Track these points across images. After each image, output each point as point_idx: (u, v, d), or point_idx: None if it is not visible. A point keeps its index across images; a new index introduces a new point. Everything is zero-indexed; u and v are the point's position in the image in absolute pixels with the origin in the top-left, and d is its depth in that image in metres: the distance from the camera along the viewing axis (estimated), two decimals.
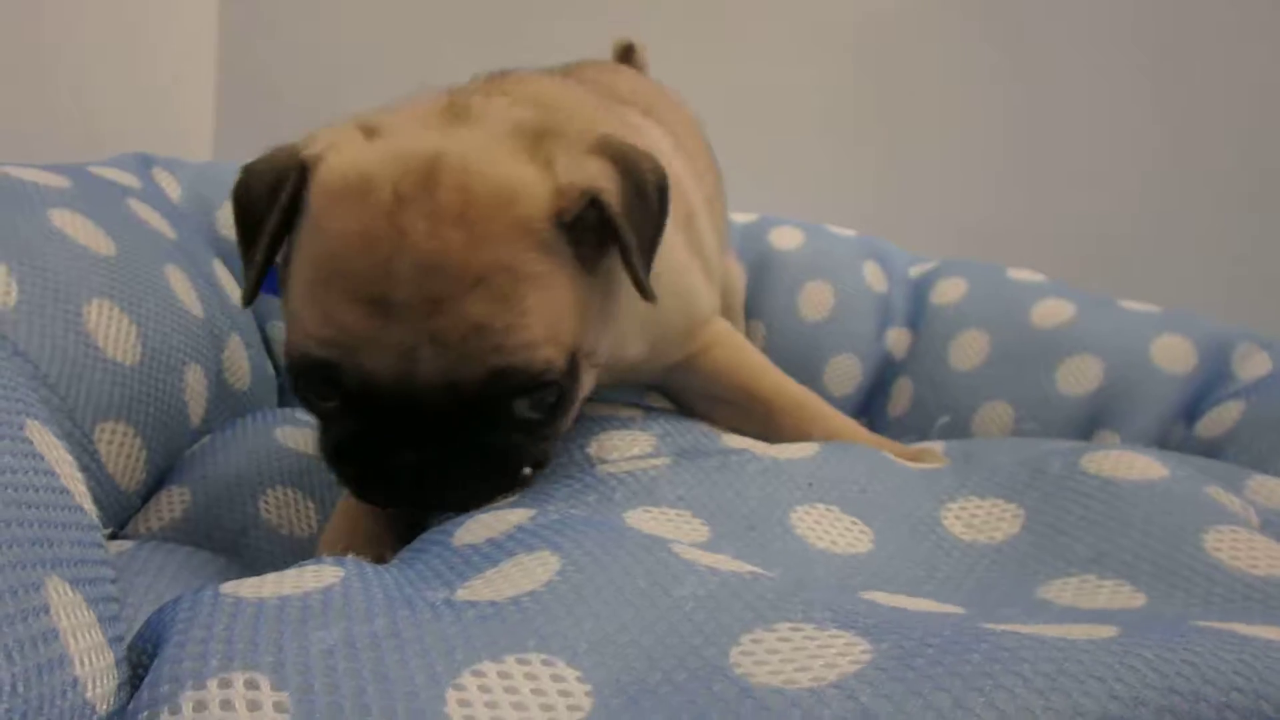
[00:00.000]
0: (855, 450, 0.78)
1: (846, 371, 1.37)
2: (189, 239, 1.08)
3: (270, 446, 0.91)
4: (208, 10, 1.68)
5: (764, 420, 0.91)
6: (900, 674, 0.39)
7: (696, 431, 0.87)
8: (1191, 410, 1.18)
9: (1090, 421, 1.20)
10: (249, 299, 0.70)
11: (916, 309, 1.41)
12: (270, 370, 1.18)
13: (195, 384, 0.92)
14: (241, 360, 1.05)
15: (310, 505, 0.87)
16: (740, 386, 0.92)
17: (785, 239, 1.46)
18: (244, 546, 0.80)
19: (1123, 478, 0.67)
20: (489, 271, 0.64)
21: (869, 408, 1.40)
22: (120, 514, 0.80)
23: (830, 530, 0.66)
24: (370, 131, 0.70)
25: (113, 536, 0.78)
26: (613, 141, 0.72)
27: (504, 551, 0.54)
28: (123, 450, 0.79)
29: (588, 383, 0.76)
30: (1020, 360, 1.27)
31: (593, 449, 0.85)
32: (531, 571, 0.50)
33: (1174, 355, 1.21)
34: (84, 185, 0.96)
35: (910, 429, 1.32)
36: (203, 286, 1.01)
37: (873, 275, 1.44)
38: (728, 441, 0.83)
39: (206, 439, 0.92)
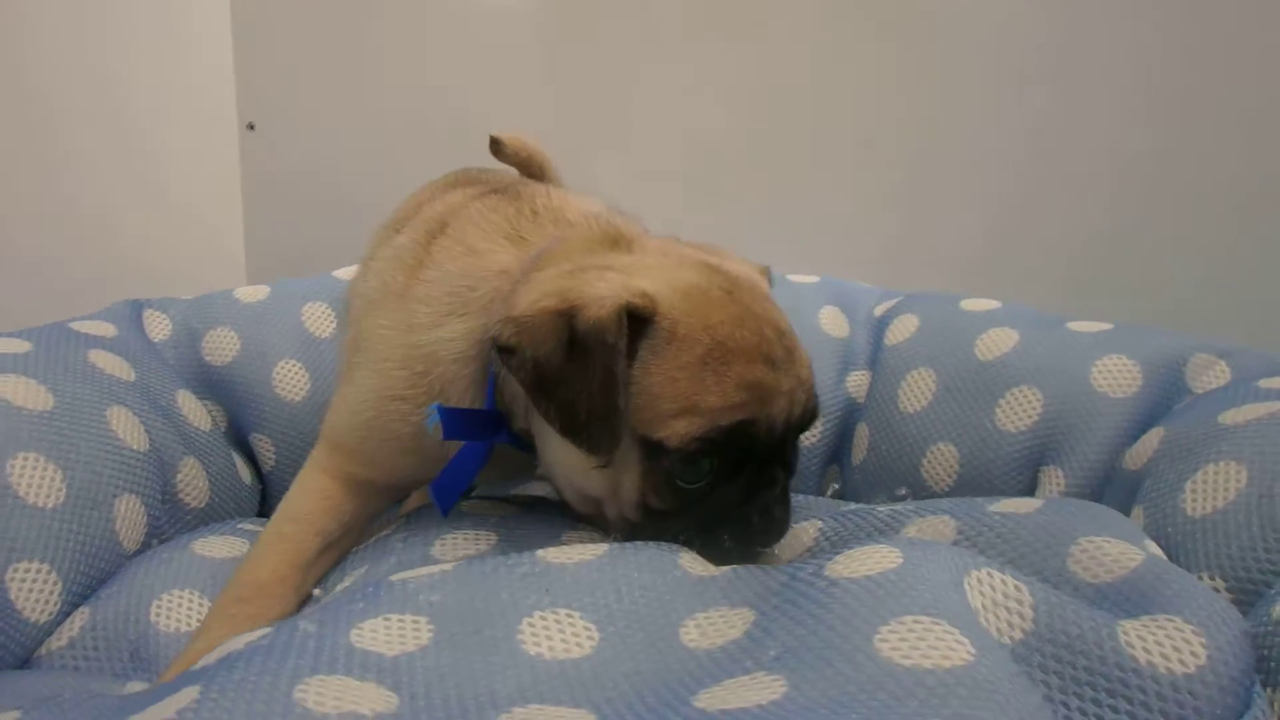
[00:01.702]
0: (644, 553, 0.79)
1: None
2: (153, 376, 1.22)
3: (179, 557, 1.03)
4: (229, 145, 1.89)
5: None
6: None
7: (536, 528, 0.92)
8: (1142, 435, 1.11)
9: (1032, 459, 1.15)
10: (614, 447, 0.81)
11: (875, 350, 1.39)
12: (249, 479, 1.31)
13: (128, 513, 1.04)
14: (198, 480, 1.18)
15: (205, 604, 0.97)
16: None
17: None
18: (137, 654, 0.91)
19: (850, 576, 0.66)
20: (791, 328, 0.88)
21: (839, 456, 1.38)
22: (30, 644, 0.92)
23: (554, 635, 0.69)
24: (621, 269, 0.87)
25: (23, 664, 0.91)
26: None
27: (181, 681, 0.60)
28: (35, 585, 0.92)
29: None
30: (963, 398, 1.22)
31: (435, 549, 0.91)
32: (179, 701, 0.56)
33: (1116, 377, 1.14)
34: (46, 345, 1.11)
35: (871, 476, 1.30)
36: (154, 420, 1.14)
37: (830, 321, 1.42)
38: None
39: (129, 561, 1.04)
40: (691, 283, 0.85)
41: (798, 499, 1.35)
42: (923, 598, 0.64)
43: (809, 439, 1.36)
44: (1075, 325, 1.23)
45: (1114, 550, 0.76)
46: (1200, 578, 0.82)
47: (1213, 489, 0.89)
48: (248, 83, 1.83)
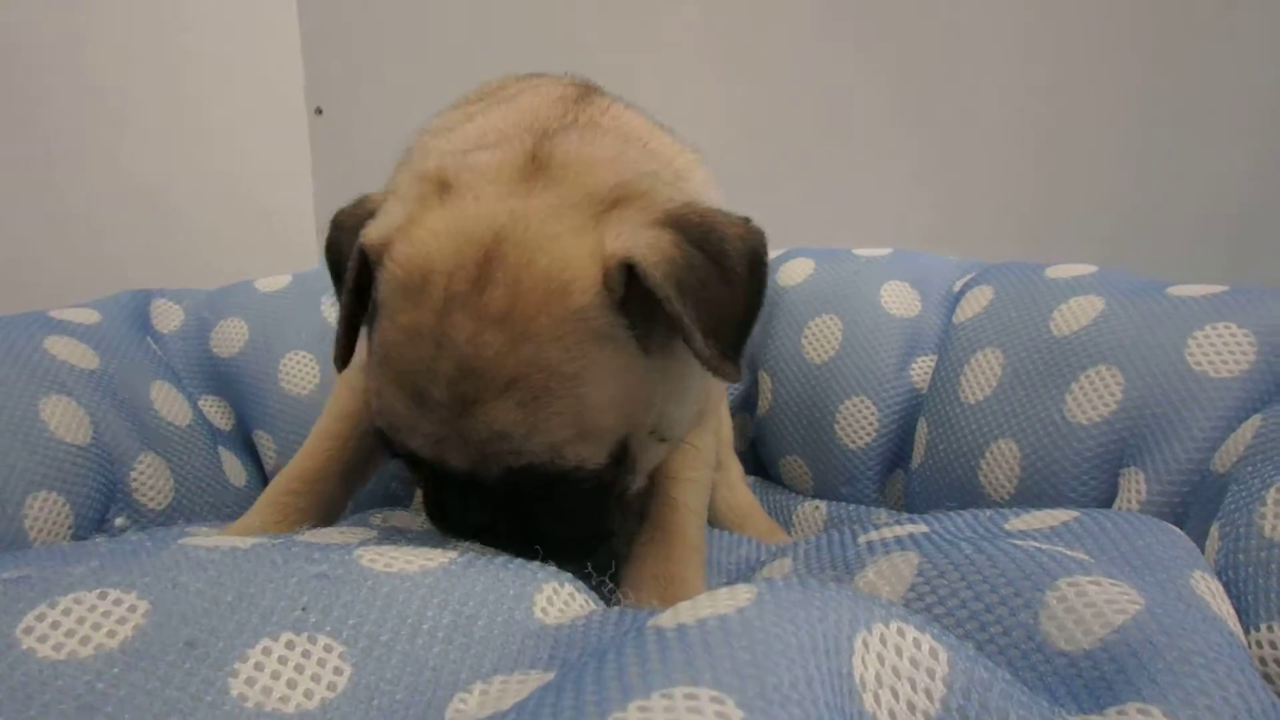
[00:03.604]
0: (494, 576, 0.60)
1: (859, 417, 1.13)
2: (124, 366, 1.14)
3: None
4: (299, 130, 1.87)
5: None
6: None
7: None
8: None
9: (1109, 458, 0.88)
10: (341, 363, 0.75)
11: (945, 330, 1.13)
12: (242, 482, 1.22)
13: (45, 511, 0.95)
14: (158, 478, 1.09)
15: None
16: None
17: (792, 273, 1.25)
18: None
19: (664, 625, 0.45)
20: (521, 374, 0.65)
21: (902, 457, 1.13)
22: None
23: (284, 674, 0.51)
24: (445, 188, 0.71)
25: None
26: (690, 211, 0.69)
27: None
28: None
29: (656, 456, 0.77)
30: (1030, 383, 0.96)
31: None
32: None
33: (1220, 352, 0.85)
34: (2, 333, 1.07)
35: (929, 484, 1.05)
36: (107, 412, 1.06)
37: (895, 298, 1.17)
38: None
39: None
40: (428, 256, 0.67)
41: (848, 509, 1.12)
42: (731, 660, 0.42)
43: (862, 440, 1.12)
44: (1178, 289, 0.94)
45: (1100, 598, 0.51)
46: (1262, 630, 0.55)
47: None
48: (315, 68, 1.80)
